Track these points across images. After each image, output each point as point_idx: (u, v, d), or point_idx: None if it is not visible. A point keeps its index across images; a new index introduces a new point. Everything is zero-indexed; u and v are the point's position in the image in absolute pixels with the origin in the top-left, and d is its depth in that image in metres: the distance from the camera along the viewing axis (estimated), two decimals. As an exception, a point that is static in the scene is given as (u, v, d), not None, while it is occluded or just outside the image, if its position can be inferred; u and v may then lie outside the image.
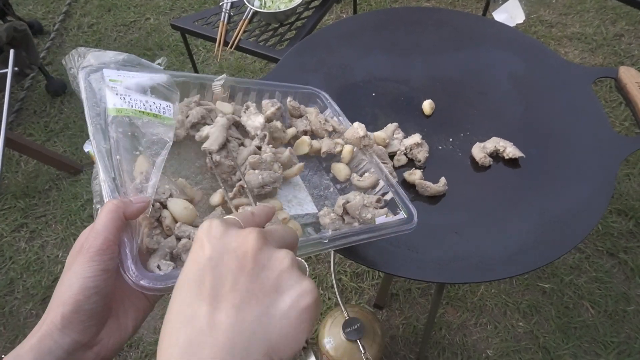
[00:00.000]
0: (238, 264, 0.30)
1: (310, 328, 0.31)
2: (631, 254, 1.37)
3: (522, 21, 1.33)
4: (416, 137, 0.77)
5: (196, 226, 0.47)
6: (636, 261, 1.35)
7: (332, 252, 1.31)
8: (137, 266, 0.38)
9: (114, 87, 0.49)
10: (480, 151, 0.77)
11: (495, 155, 0.77)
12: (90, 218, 1.58)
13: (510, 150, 0.75)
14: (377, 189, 0.62)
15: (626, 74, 0.83)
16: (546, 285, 1.32)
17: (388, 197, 0.61)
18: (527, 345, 1.23)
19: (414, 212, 0.58)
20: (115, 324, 0.40)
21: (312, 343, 0.25)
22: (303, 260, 0.37)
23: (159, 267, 0.41)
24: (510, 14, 1.32)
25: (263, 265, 0.31)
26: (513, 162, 0.76)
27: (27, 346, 0.35)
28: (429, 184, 0.71)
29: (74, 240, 1.51)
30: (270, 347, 0.29)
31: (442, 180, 0.72)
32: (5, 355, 0.36)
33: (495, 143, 0.77)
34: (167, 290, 0.39)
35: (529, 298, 1.31)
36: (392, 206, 0.60)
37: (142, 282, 0.38)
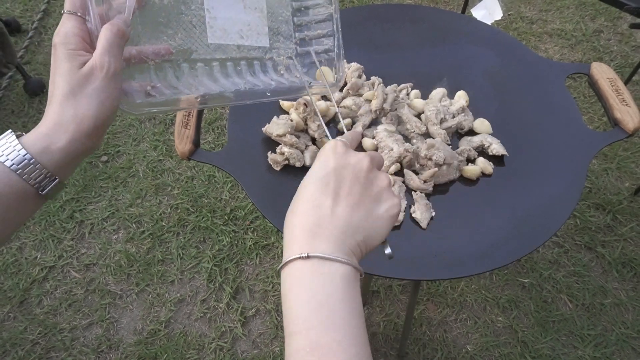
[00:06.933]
0: (354, 176, 0.43)
1: (390, 229, 0.44)
2: (608, 247, 1.39)
3: (500, 17, 1.33)
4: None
5: None
6: (613, 254, 1.37)
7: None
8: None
9: None
10: (467, 144, 0.77)
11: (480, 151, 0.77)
12: (70, 219, 1.56)
13: (495, 147, 0.75)
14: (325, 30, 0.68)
15: (598, 69, 0.84)
16: (525, 280, 1.34)
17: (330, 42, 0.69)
18: (506, 339, 1.24)
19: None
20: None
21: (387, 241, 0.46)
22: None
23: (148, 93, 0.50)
24: (488, 11, 1.33)
25: (371, 181, 0.44)
26: (496, 159, 0.77)
27: (55, 148, 0.41)
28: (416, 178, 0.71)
29: (53, 242, 1.50)
30: (366, 236, 0.42)
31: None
32: None
33: (482, 138, 0.77)
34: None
35: (509, 293, 1.32)
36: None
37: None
